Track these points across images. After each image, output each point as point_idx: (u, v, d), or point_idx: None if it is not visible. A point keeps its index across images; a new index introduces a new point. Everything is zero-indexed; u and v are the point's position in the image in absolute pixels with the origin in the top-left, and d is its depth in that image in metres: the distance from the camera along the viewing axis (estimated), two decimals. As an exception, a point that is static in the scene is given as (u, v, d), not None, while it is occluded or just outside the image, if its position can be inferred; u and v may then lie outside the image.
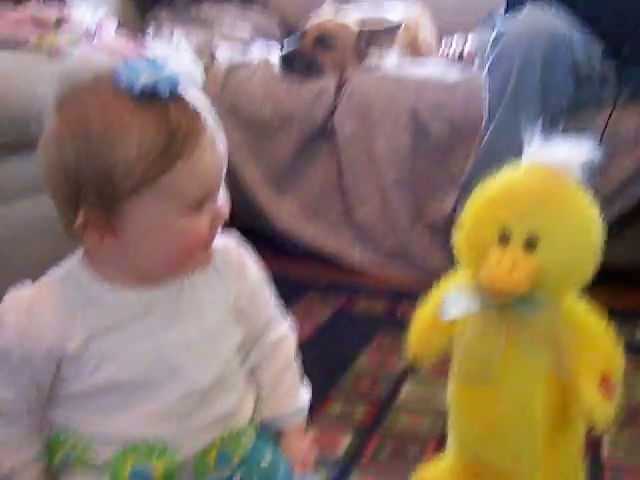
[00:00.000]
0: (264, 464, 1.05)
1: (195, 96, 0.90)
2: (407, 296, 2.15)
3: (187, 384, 0.96)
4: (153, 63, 0.88)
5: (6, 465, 0.94)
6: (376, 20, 2.75)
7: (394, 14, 2.77)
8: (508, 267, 0.99)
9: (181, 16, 3.21)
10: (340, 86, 2.56)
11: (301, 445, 1.10)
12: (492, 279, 1.00)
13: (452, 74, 2.52)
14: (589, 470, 1.32)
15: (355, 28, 2.67)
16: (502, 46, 2.12)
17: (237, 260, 1.03)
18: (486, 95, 2.19)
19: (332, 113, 2.53)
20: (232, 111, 2.53)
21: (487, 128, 2.18)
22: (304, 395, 1.11)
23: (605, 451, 1.48)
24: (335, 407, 1.64)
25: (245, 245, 1.06)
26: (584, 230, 1.03)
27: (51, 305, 0.92)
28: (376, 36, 2.66)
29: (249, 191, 2.60)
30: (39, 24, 2.19)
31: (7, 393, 0.92)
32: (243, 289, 1.03)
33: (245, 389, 1.05)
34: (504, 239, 1.02)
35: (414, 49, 2.80)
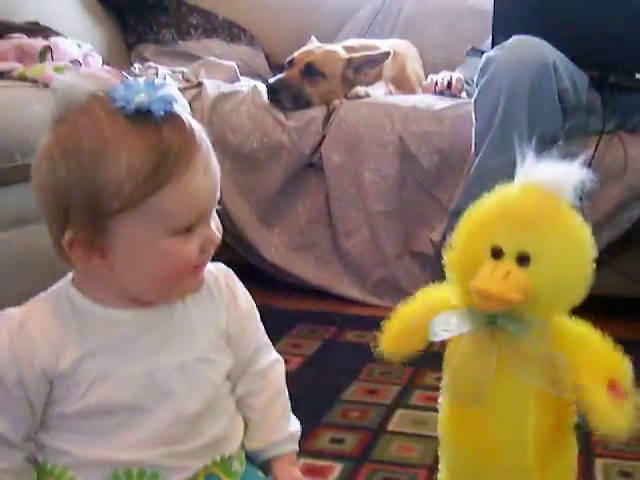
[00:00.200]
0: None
1: (190, 118, 0.90)
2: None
3: (178, 408, 0.94)
4: (150, 84, 0.88)
5: None
6: (365, 46, 2.76)
7: (383, 45, 2.78)
8: (502, 275, 0.99)
9: (167, 52, 3.23)
10: (328, 116, 2.56)
11: (292, 474, 1.07)
12: (486, 285, 0.99)
13: (440, 102, 2.52)
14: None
15: (344, 55, 2.68)
16: (490, 74, 2.13)
17: (227, 287, 1.02)
18: (474, 123, 2.20)
19: (320, 143, 2.53)
20: (219, 142, 2.52)
21: (476, 156, 2.18)
22: (295, 422, 1.09)
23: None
24: (325, 437, 1.62)
25: (233, 273, 1.05)
26: (575, 249, 1.03)
27: (44, 323, 0.91)
28: (365, 63, 2.67)
29: (236, 223, 2.59)
30: (25, 55, 2.20)
31: (3, 423, 0.91)
32: (233, 316, 1.02)
33: (236, 414, 1.03)
34: (497, 254, 1.02)
35: (402, 79, 2.80)
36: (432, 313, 1.09)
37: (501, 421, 1.06)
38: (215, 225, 0.93)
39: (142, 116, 0.86)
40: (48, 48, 2.21)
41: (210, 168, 0.90)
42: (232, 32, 3.27)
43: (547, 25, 2.20)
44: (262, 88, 2.66)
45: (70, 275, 0.95)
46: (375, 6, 3.21)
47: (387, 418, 1.70)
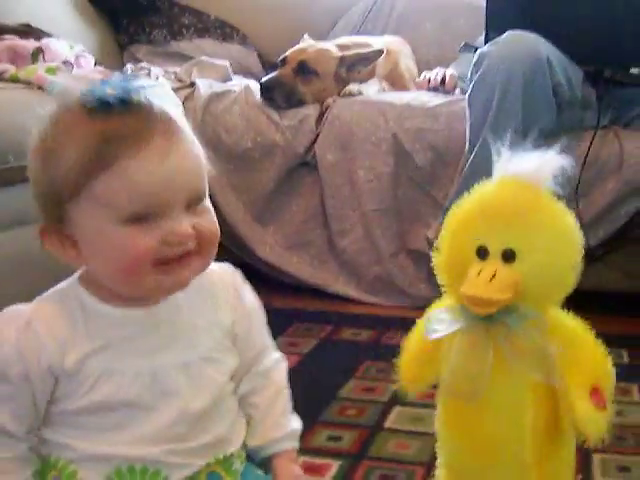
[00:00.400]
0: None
1: (165, 108, 0.90)
2: (392, 324, 2.16)
3: (181, 407, 0.94)
4: (123, 78, 0.89)
5: None
6: (358, 44, 2.76)
7: (376, 43, 2.77)
8: (489, 276, 0.98)
9: (160, 52, 3.22)
10: (321, 114, 2.55)
11: (292, 471, 1.06)
12: (474, 290, 0.98)
13: (433, 99, 2.52)
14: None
15: (337, 53, 2.67)
16: (483, 70, 2.13)
17: (233, 287, 1.02)
18: (468, 119, 2.19)
19: (314, 142, 2.52)
20: (213, 142, 2.50)
21: (470, 152, 2.18)
22: (295, 420, 1.09)
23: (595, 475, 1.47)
24: (322, 434, 1.62)
25: (239, 273, 1.04)
26: (560, 238, 1.02)
27: (50, 320, 0.91)
28: (358, 61, 2.66)
29: (231, 223, 2.58)
30: (17, 56, 2.19)
31: (5, 415, 0.91)
32: (239, 315, 1.01)
33: (239, 413, 1.03)
34: (482, 254, 1.01)
35: (396, 76, 2.80)
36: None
37: (498, 417, 1.06)
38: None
39: (103, 108, 0.86)
40: (40, 49, 2.20)
41: (173, 158, 0.87)
42: (224, 31, 3.27)
43: (541, 20, 2.20)
44: (255, 87, 2.65)
45: (77, 274, 0.96)
46: (367, 3, 3.21)
47: (384, 415, 1.70)
